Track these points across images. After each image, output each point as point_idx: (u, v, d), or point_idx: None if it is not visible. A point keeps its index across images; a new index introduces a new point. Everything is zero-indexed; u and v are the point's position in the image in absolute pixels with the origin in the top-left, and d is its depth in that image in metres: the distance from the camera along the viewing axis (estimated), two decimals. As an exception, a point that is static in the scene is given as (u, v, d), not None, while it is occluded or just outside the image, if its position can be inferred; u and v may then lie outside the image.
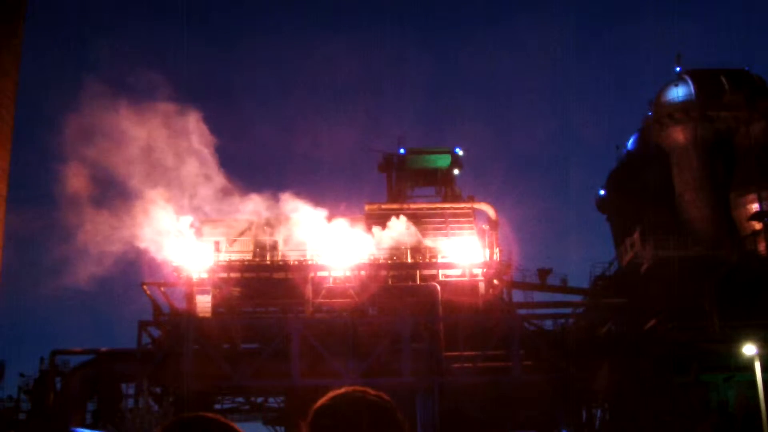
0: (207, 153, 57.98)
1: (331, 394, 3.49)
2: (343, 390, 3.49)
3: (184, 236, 58.52)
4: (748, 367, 48.17)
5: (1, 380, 58.19)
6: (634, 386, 54.28)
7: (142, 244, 56.77)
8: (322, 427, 3.37)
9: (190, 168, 57.55)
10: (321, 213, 59.96)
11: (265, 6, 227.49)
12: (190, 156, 57.53)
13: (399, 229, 60.68)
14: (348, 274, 59.65)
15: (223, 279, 59.46)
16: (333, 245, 59.45)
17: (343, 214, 62.72)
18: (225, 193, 59.02)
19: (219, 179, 58.59)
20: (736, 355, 50.22)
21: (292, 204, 59.78)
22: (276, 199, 60.03)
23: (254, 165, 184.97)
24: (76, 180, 54.64)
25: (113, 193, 57.26)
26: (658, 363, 54.41)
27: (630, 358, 54.96)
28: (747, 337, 49.29)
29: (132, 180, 57.18)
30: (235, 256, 60.46)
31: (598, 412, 63.09)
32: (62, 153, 55.64)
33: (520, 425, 60.73)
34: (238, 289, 60.33)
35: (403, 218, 61.55)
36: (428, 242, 62.10)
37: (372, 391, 3.49)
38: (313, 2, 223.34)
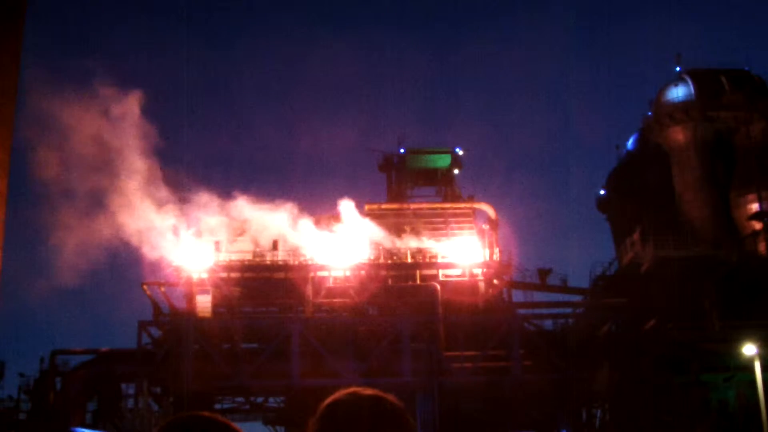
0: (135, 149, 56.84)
1: (339, 392, 3.49)
2: (352, 389, 3.49)
3: (180, 234, 58.45)
4: (748, 367, 48.14)
5: (1, 380, 58.19)
6: (634, 386, 54.31)
7: (132, 241, 56.63)
8: (331, 424, 3.37)
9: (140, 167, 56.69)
10: (282, 214, 59.41)
11: (265, 5, 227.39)
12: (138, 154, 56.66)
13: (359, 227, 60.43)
14: (348, 274, 59.63)
15: (223, 279, 59.43)
16: (314, 245, 59.51)
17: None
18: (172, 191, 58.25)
19: (166, 176, 57.78)
20: (736, 355, 50.16)
21: (244, 206, 59.34)
22: (230, 199, 59.66)
23: (253, 165, 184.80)
24: (51, 171, 54.18)
25: (99, 189, 56.88)
26: (658, 363, 54.46)
27: (630, 358, 55.00)
28: (747, 337, 49.22)
29: (109, 176, 56.90)
30: (235, 256, 60.42)
31: (598, 412, 63.09)
32: (54, 149, 55.21)
33: (520, 425, 60.78)
34: (238, 289, 60.30)
35: (351, 208, 61.07)
36: (429, 242, 62.14)
37: (381, 393, 3.49)
38: (312, 2, 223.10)
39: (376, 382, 52.23)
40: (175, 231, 58.37)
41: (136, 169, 57.28)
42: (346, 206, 61.53)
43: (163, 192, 58.00)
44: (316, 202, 61.78)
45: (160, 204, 57.57)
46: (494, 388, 55.12)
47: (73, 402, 57.37)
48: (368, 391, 3.46)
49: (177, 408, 50.27)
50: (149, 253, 57.58)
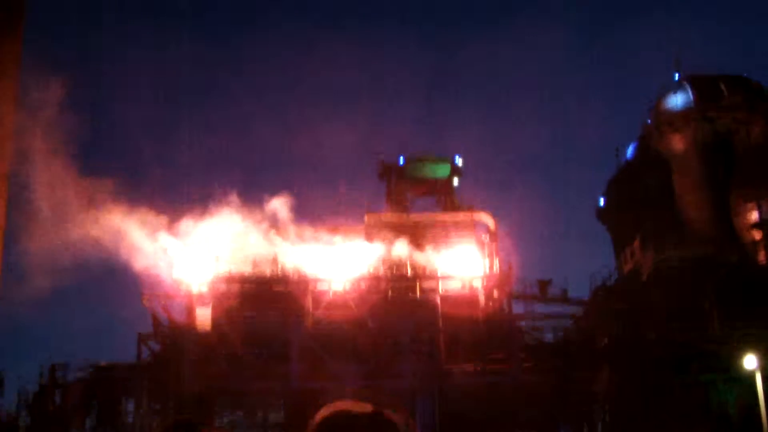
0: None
1: (331, 408, 3.49)
2: (344, 407, 3.50)
3: (174, 245, 58.49)
4: (749, 372, 47.82)
5: (1, 390, 57.86)
6: (634, 387, 54.14)
7: (127, 251, 56.59)
8: None
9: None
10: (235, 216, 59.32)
11: (265, 6, 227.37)
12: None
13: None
14: (347, 287, 59.49)
15: (222, 292, 59.35)
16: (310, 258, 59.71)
17: (344, 224, 62.90)
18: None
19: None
20: (736, 355, 49.98)
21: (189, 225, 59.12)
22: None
23: (252, 169, 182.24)
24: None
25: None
26: (658, 363, 54.30)
27: (630, 359, 54.86)
28: (747, 338, 49.08)
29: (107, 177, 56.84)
30: (234, 268, 60.38)
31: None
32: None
33: (520, 426, 60.33)
34: (237, 301, 60.13)
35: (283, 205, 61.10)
36: (429, 253, 62.07)
37: (376, 408, 3.49)
38: (312, 2, 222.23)
39: (376, 384, 52.24)
40: (169, 242, 58.34)
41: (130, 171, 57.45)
42: (279, 204, 61.43)
43: (158, 198, 58.20)
44: (313, 209, 61.54)
45: (155, 210, 57.64)
46: (494, 390, 54.98)
47: (72, 415, 57.21)
48: (362, 408, 3.47)
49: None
50: (147, 264, 57.55)
